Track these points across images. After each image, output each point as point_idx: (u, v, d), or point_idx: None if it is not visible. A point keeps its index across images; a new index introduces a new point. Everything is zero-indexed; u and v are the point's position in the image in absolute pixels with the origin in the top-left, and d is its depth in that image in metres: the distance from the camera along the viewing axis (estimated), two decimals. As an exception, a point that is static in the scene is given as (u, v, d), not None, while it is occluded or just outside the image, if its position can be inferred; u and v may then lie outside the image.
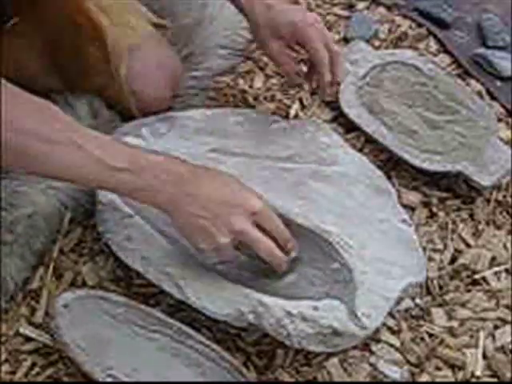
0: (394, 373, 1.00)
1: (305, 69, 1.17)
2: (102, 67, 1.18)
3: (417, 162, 1.18)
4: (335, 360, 1.00)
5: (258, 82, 1.34)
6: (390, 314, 1.04)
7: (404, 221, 1.07)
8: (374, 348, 1.02)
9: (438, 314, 1.06)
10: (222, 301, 0.95)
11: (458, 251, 1.13)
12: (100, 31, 1.16)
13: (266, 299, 0.94)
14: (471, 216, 1.18)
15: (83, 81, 1.20)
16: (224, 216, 0.90)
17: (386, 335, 1.03)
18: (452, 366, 1.01)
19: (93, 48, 1.17)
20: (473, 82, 1.35)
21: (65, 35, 1.18)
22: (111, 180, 0.89)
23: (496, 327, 1.05)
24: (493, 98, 1.34)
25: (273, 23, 1.10)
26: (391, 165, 1.21)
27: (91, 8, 1.17)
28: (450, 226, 1.16)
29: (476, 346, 1.03)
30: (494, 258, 1.12)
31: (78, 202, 1.12)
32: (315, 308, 0.94)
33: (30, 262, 1.06)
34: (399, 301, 1.00)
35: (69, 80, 1.21)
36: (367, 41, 1.39)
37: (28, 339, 1.01)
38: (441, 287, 1.09)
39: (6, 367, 0.99)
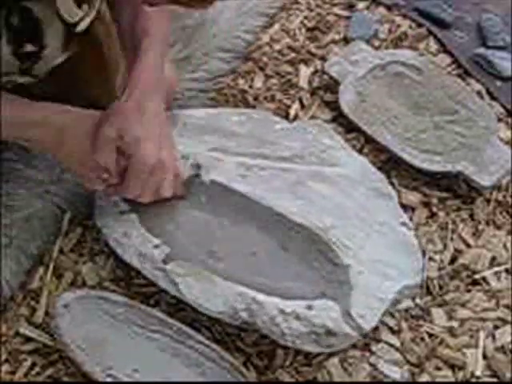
0: (394, 373, 1.00)
1: None
2: (97, 78, 1.17)
3: (417, 162, 1.18)
4: (335, 360, 1.00)
5: (258, 82, 1.34)
6: (390, 314, 1.04)
7: (404, 224, 1.06)
8: (374, 348, 1.02)
9: (438, 313, 1.06)
10: (216, 298, 0.95)
11: (457, 251, 1.13)
12: (96, 41, 1.16)
13: (260, 297, 0.94)
14: (471, 216, 1.18)
15: (78, 91, 1.19)
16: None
17: (386, 335, 1.03)
18: (452, 366, 1.01)
19: (88, 58, 1.17)
20: (473, 81, 1.35)
21: None
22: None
23: (496, 327, 1.05)
24: (493, 98, 1.34)
25: None
26: (391, 165, 1.21)
27: None
28: (450, 226, 1.16)
29: (476, 346, 1.03)
30: (494, 258, 1.12)
31: (75, 205, 1.12)
32: (309, 307, 0.94)
33: (25, 266, 1.06)
34: (395, 302, 1.00)
35: (64, 89, 1.20)
36: (367, 41, 1.39)
37: (28, 339, 1.01)
38: (441, 287, 1.09)
39: (6, 367, 0.99)
